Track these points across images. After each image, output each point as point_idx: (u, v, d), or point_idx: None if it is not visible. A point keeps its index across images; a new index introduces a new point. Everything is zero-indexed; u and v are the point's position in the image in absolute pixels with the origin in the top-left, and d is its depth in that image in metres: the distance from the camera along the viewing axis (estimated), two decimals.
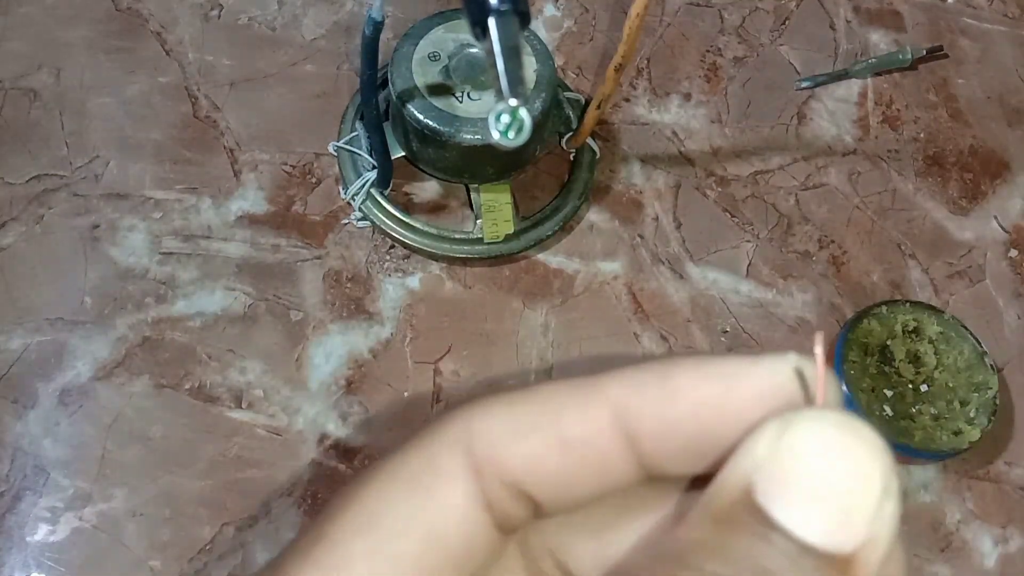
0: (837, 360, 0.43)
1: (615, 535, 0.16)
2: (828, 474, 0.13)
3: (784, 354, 0.14)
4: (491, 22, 0.28)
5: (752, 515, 0.13)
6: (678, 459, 0.15)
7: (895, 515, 0.13)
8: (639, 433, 0.14)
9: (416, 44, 0.41)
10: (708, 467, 0.15)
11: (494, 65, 0.27)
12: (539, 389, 0.15)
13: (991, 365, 0.43)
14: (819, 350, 0.14)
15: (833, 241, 0.48)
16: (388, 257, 0.45)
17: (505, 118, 0.28)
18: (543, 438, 0.15)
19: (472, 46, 0.42)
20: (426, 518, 0.14)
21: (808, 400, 0.14)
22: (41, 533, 0.37)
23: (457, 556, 0.15)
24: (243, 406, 0.41)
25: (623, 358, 0.44)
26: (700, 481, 0.15)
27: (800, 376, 0.14)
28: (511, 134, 0.28)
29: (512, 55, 0.28)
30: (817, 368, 0.14)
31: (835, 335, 0.45)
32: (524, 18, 0.28)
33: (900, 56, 0.54)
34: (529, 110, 0.30)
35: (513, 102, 0.27)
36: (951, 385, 0.43)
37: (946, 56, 0.56)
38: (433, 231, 0.44)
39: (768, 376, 0.14)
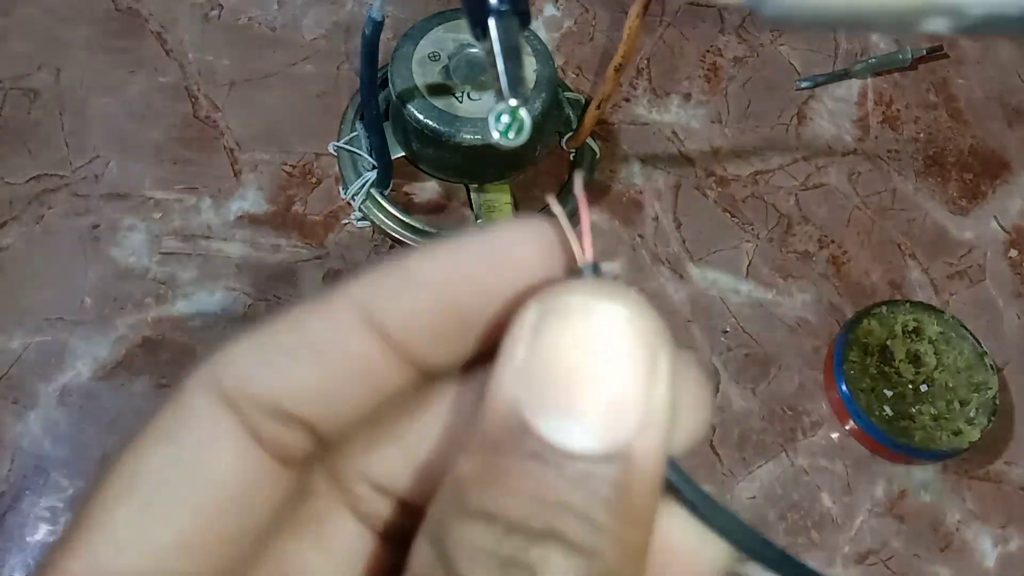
0: (837, 360, 0.43)
1: (416, 437, 0.15)
2: (586, 370, 0.12)
3: (518, 220, 0.14)
4: (491, 22, 0.28)
5: (523, 434, 0.12)
6: (437, 348, 0.14)
7: (667, 396, 0.12)
8: (387, 327, 0.14)
9: (416, 44, 0.41)
10: (474, 350, 0.14)
11: (494, 65, 0.27)
12: (283, 311, 0.14)
13: (991, 365, 0.43)
14: (556, 208, 0.13)
15: (833, 241, 0.48)
16: (388, 257, 0.45)
17: (505, 118, 0.28)
18: (292, 353, 0.14)
19: (472, 46, 0.42)
20: (188, 464, 0.13)
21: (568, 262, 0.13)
22: (41, 533, 0.37)
23: (238, 496, 0.14)
24: None
25: None
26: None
27: (552, 238, 0.13)
28: (511, 134, 0.28)
29: (512, 55, 0.28)
30: (561, 227, 0.13)
31: (834, 335, 0.45)
32: (524, 18, 0.28)
33: (900, 56, 0.54)
34: (529, 110, 0.30)
35: (513, 102, 0.27)
36: (951, 385, 0.43)
37: (946, 56, 0.56)
38: (433, 231, 0.44)
39: (502, 245, 0.14)
